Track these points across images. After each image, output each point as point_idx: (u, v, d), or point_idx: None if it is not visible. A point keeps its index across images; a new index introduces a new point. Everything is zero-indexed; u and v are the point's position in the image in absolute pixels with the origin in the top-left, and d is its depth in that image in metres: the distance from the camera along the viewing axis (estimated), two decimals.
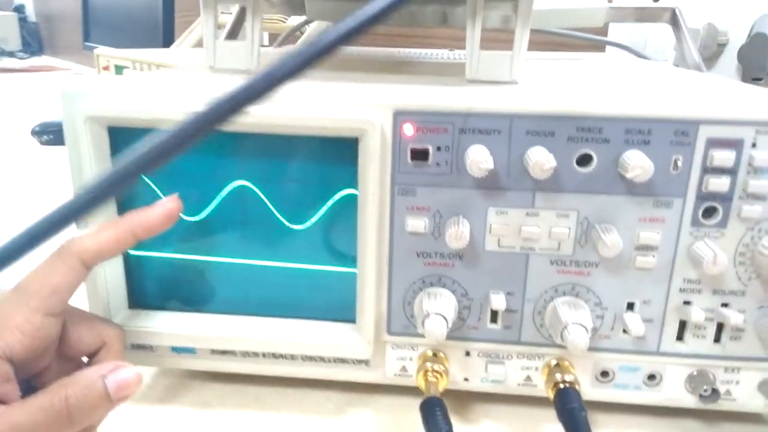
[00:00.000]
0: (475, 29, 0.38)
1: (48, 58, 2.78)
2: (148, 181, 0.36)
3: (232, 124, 0.18)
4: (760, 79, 0.68)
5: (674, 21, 0.65)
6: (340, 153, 0.34)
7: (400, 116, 0.32)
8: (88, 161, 0.34)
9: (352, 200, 0.34)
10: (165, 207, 0.33)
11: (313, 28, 0.80)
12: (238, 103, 0.17)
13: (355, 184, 0.34)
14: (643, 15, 0.67)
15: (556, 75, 0.45)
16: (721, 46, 0.73)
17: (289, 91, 0.33)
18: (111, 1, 1.58)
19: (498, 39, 0.42)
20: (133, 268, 0.38)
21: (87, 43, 1.65)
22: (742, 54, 0.69)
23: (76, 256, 0.30)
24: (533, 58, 0.63)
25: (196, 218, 0.36)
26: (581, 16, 0.66)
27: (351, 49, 0.69)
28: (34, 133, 1.10)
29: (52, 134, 1.09)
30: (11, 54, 2.75)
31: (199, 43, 1.14)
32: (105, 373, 0.28)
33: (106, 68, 0.98)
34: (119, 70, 0.94)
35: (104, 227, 0.32)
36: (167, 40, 1.21)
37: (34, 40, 2.92)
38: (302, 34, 0.83)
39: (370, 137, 0.32)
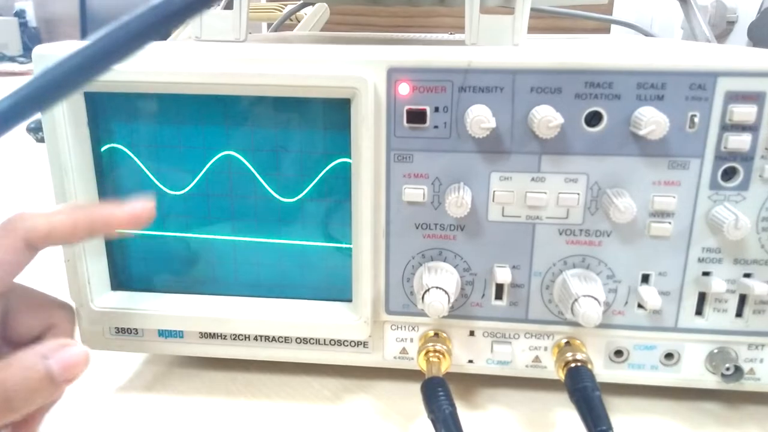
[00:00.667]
0: None
1: None
2: (132, 155, 0.34)
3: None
4: None
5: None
6: (332, 119, 0.32)
7: (394, 74, 0.30)
8: (63, 128, 0.32)
9: (346, 170, 0.32)
10: (134, 208, 0.30)
11: (312, 13, 0.78)
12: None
13: (350, 152, 0.32)
14: None
15: (570, 43, 0.43)
16: (731, 24, 0.70)
17: (277, 50, 0.31)
18: (109, 5, 1.57)
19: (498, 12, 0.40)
20: (115, 247, 0.36)
21: None
22: (752, 30, 0.67)
23: (22, 234, 0.27)
24: (537, 38, 0.61)
25: (181, 192, 0.34)
26: None
27: (349, 34, 0.67)
28: (30, 129, 1.08)
29: None
30: (12, 59, 2.75)
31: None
32: (46, 353, 0.25)
33: None
34: None
35: (61, 210, 0.28)
36: (163, 38, 1.19)
37: (34, 45, 2.92)
38: (299, 20, 0.81)
39: (362, 97, 0.30)
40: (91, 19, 1.71)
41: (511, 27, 0.37)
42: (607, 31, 0.80)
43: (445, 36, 0.61)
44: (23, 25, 2.87)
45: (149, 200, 0.30)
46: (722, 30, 0.71)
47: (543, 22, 0.81)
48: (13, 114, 0.16)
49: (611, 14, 0.79)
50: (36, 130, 1.08)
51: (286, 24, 0.83)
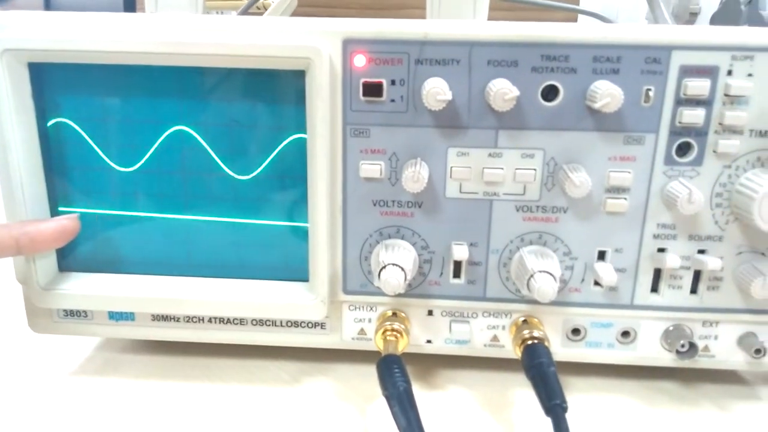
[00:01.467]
0: None
1: None
2: (80, 130, 0.33)
3: None
4: None
5: None
6: (286, 91, 0.31)
7: (350, 45, 0.29)
8: (5, 101, 0.30)
9: (302, 145, 0.32)
10: (59, 223, 0.32)
11: (277, 5, 0.77)
12: None
13: (305, 127, 0.31)
14: None
15: None
16: (694, 15, 0.71)
17: (231, 22, 0.31)
18: (73, 2, 1.53)
19: None
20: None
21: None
22: (715, 21, 0.68)
23: None
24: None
25: (131, 169, 0.33)
26: None
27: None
28: None
29: None
30: None
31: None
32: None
33: None
34: None
35: None
36: (129, 8, 1.17)
37: None
38: (266, 8, 0.80)
39: (317, 68, 0.29)
40: (54, 6, 1.67)
41: (473, 5, 0.36)
42: (575, 20, 0.80)
43: None
44: None
45: (72, 216, 0.32)
46: (685, 20, 0.72)
47: (510, 14, 0.81)
48: None
49: (578, 2, 0.80)
50: None
51: (253, 10, 0.82)
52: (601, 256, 0.32)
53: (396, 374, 0.29)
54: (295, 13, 0.84)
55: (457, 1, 0.36)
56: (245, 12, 0.74)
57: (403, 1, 0.57)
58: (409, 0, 0.55)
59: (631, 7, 0.75)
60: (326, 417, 0.32)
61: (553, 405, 0.27)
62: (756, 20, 0.65)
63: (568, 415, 0.27)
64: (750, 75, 0.29)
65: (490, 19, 0.73)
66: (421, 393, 0.33)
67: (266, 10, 0.84)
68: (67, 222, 0.32)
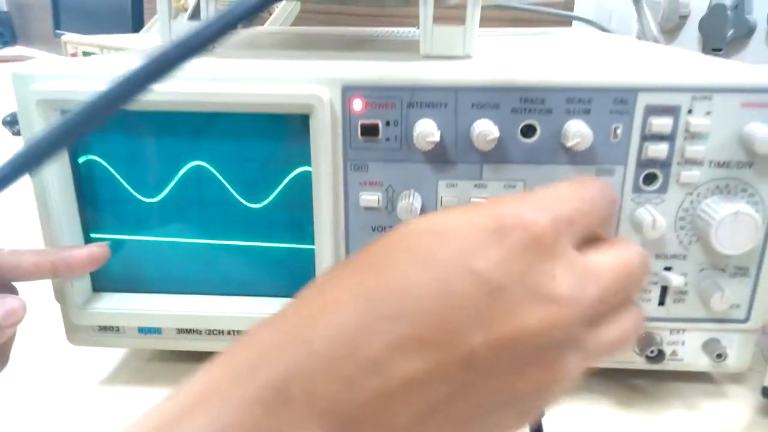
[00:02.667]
0: (427, 4, 0.39)
1: (21, 48, 2.73)
2: (108, 166, 0.36)
3: (148, 93, 0.18)
4: (719, 50, 0.69)
5: None
6: (293, 131, 0.35)
7: (348, 91, 0.33)
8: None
9: (307, 178, 0.35)
10: (91, 250, 0.36)
11: (282, 8, 0.80)
12: (154, 71, 0.17)
13: (310, 161, 0.34)
14: None
15: (512, 49, 0.46)
16: (683, 18, 0.74)
17: (240, 69, 0.34)
18: (79, 1, 1.55)
19: (455, 17, 0.42)
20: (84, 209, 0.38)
21: (57, 31, 1.63)
22: (703, 25, 0.70)
23: None
24: (498, 33, 0.64)
25: (155, 200, 0.37)
26: None
27: (317, 29, 0.69)
28: (5, 123, 1.09)
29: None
30: None
31: None
32: None
33: (74, 55, 0.97)
34: (87, 56, 0.93)
35: (29, 251, 0.34)
36: (137, 27, 1.19)
37: (6, 30, 2.87)
38: (270, 14, 0.83)
39: (319, 113, 0.33)
40: (62, 5, 1.69)
41: (463, 38, 0.40)
42: (569, 24, 0.82)
43: (411, 32, 0.64)
44: None
45: (103, 244, 0.36)
46: (675, 24, 0.74)
47: (507, 13, 0.83)
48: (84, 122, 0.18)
49: (573, 9, 0.82)
50: (12, 123, 1.09)
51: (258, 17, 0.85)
52: None
53: None
54: (297, 21, 0.87)
55: (447, 39, 0.39)
56: (248, 24, 0.77)
57: (401, 10, 0.59)
58: (407, 10, 0.58)
59: (623, 11, 0.77)
60: None
61: None
62: (741, 24, 0.68)
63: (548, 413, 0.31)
64: (708, 113, 0.32)
65: (489, 24, 0.76)
66: None
67: (270, 15, 0.87)
68: (98, 249, 0.36)
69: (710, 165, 0.33)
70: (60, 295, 0.38)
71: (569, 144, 0.31)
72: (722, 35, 0.68)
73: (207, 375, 0.20)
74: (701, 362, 0.37)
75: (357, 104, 0.33)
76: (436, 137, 0.32)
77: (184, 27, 0.43)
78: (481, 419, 0.20)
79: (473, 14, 0.39)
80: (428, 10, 0.39)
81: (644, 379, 0.40)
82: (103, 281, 0.39)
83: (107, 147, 0.36)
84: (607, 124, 0.32)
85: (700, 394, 0.39)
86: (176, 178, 0.36)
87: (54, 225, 0.36)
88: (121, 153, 0.36)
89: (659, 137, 0.32)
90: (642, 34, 0.64)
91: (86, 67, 0.35)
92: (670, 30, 0.75)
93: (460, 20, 0.40)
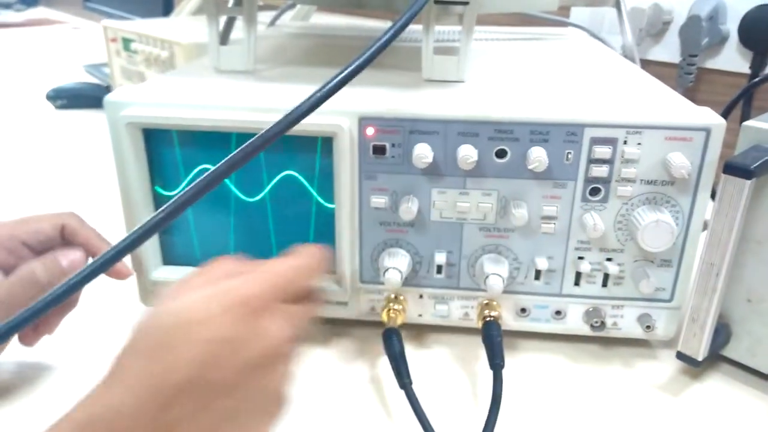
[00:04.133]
0: (428, 40, 0.48)
1: (45, 10, 2.81)
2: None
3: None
4: (695, 55, 0.77)
5: (617, 5, 0.74)
6: (319, 148, 0.45)
7: (363, 121, 0.43)
8: (128, 156, 0.44)
9: (294, 180, 0.45)
10: (119, 268, 0.45)
11: (299, 9, 0.89)
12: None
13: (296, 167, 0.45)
14: (591, 0, 0.76)
15: (500, 74, 0.55)
16: (666, 24, 0.81)
17: (281, 100, 0.44)
18: None
19: (451, 51, 0.51)
20: (163, 232, 0.49)
21: (88, 4, 1.71)
22: (681, 33, 0.78)
23: (66, 220, 0.44)
24: (497, 34, 0.73)
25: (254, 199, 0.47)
26: (538, 1, 0.75)
27: (332, 33, 0.78)
28: (49, 97, 1.19)
29: (65, 99, 1.19)
30: (8, 6, 2.78)
31: (197, 11, 1.22)
32: (60, 255, 0.42)
33: (113, 40, 1.06)
34: (126, 42, 1.03)
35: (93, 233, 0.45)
36: (167, 9, 1.28)
37: None
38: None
39: (340, 137, 0.43)
40: None
41: (456, 67, 0.49)
42: (565, 25, 0.90)
43: (417, 33, 0.72)
44: None
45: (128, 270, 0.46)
46: (659, 29, 0.82)
47: (507, 16, 0.91)
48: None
49: (569, 13, 0.90)
50: (55, 98, 1.19)
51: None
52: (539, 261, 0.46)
53: (394, 340, 0.43)
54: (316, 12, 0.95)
55: (444, 67, 0.48)
56: (273, 22, 0.86)
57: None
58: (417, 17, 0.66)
59: (613, 19, 0.84)
60: (347, 365, 0.47)
61: (495, 363, 0.42)
62: (715, 33, 0.76)
63: (516, 366, 0.42)
64: (639, 144, 0.42)
65: (491, 24, 0.84)
66: (414, 350, 0.48)
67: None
68: (123, 268, 0.45)
69: (641, 182, 0.42)
70: (137, 266, 0.49)
71: (530, 166, 0.41)
72: (698, 43, 0.76)
73: None
74: (636, 331, 0.48)
75: (370, 131, 0.43)
76: (430, 159, 0.42)
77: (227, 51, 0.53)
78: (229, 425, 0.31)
79: (466, 48, 0.49)
80: (429, 45, 0.48)
81: (594, 344, 0.50)
82: (170, 256, 0.50)
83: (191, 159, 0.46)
84: (562, 150, 0.42)
85: (637, 356, 0.49)
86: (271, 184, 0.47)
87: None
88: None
89: (601, 161, 0.42)
90: (626, 42, 0.72)
91: (162, 94, 0.45)
92: (655, 34, 0.83)
93: (455, 51, 0.49)
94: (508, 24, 0.86)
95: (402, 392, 0.41)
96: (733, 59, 0.76)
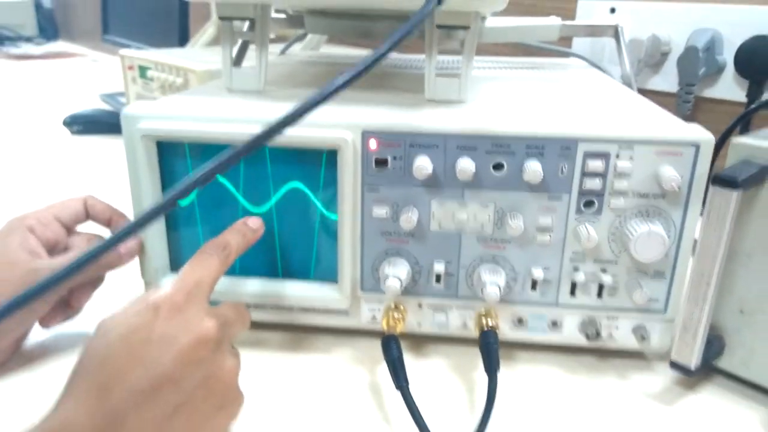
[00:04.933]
0: (431, 62, 0.51)
1: (64, 44, 2.89)
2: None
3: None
4: (693, 85, 0.80)
5: (617, 36, 0.77)
6: (322, 160, 0.47)
7: (366, 134, 0.45)
8: (142, 167, 0.47)
9: (300, 193, 0.47)
10: (128, 246, 0.49)
11: (309, 39, 0.92)
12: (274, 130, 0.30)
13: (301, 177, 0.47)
14: (592, 31, 0.79)
15: (500, 96, 0.57)
16: (665, 55, 0.84)
17: (286, 112, 0.46)
18: (128, 2, 1.68)
19: (453, 74, 0.54)
20: (171, 242, 0.51)
21: (106, 36, 1.77)
22: (679, 63, 0.81)
23: (86, 200, 0.51)
24: (500, 64, 0.75)
25: (260, 211, 0.49)
26: (539, 32, 0.78)
27: (342, 58, 0.81)
28: (66, 123, 1.23)
29: (81, 125, 1.23)
30: (28, 39, 2.87)
31: (212, 42, 1.26)
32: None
33: (130, 68, 1.11)
34: (143, 70, 1.07)
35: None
36: (182, 39, 1.32)
37: (50, 26, 3.02)
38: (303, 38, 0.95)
39: (344, 149, 0.45)
40: (111, 10, 1.82)
41: (458, 87, 0.51)
42: (567, 55, 0.93)
43: (422, 60, 0.75)
44: (38, 6, 2.98)
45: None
46: (657, 59, 0.85)
47: (510, 48, 0.94)
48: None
49: (571, 42, 0.93)
50: (71, 124, 1.23)
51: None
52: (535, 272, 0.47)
53: (392, 347, 0.45)
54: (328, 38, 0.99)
55: (446, 88, 0.51)
56: (284, 51, 0.89)
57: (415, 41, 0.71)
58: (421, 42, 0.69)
59: (613, 50, 0.87)
60: (347, 371, 0.49)
61: (491, 367, 0.43)
62: (712, 63, 0.78)
63: (513, 377, 0.42)
64: (631, 158, 0.43)
65: (498, 54, 0.88)
66: (413, 359, 0.50)
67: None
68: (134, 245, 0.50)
69: (633, 195, 0.44)
70: (146, 273, 0.51)
71: (525, 178, 0.43)
72: (695, 73, 0.79)
73: None
74: (631, 342, 0.49)
75: (372, 144, 0.45)
76: (429, 170, 0.44)
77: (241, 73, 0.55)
78: (182, 417, 0.35)
79: (467, 69, 0.51)
80: (432, 67, 0.51)
81: (590, 356, 0.51)
82: (178, 264, 0.51)
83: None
84: (556, 163, 0.44)
85: (632, 368, 0.50)
86: (277, 196, 0.49)
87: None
88: None
89: (594, 174, 0.44)
90: (624, 72, 0.75)
91: (176, 109, 0.48)
92: (654, 64, 0.85)
93: (456, 74, 0.52)
94: (511, 54, 0.89)
95: (399, 396, 0.42)
96: (730, 88, 0.79)
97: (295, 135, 0.45)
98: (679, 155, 0.43)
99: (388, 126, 0.45)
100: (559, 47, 0.88)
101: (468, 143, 0.44)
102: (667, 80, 0.84)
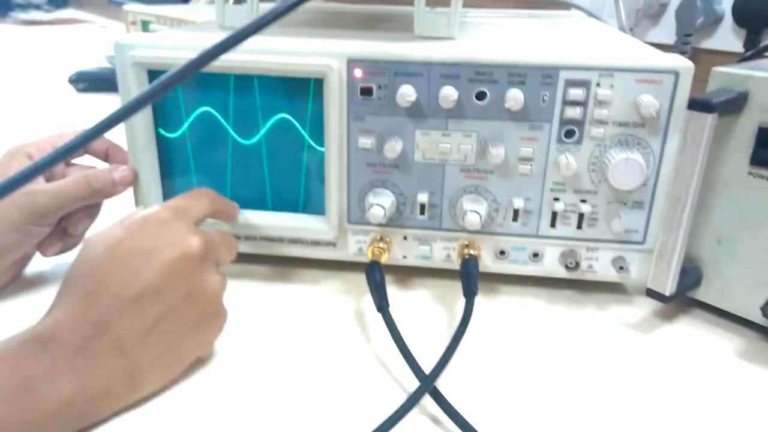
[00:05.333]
0: None
1: (73, 11, 2.90)
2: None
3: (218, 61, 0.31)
4: (690, 35, 0.79)
5: None
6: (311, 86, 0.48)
7: (352, 63, 0.46)
8: (133, 95, 0.48)
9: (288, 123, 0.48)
10: (122, 174, 0.50)
11: None
12: (223, 48, 0.31)
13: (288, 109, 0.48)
14: None
15: (490, 33, 0.57)
16: (663, 6, 0.84)
17: (278, 43, 0.47)
18: None
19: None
20: (165, 178, 0.52)
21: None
22: (677, 13, 0.80)
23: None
24: (495, 15, 0.75)
25: (250, 142, 0.51)
26: None
27: (345, 6, 0.81)
28: (71, 81, 1.24)
29: (87, 82, 1.24)
30: (38, 7, 2.87)
31: (212, 1, 1.26)
32: (112, 169, 0.50)
33: (133, 23, 1.11)
34: (145, 24, 1.07)
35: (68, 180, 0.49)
36: None
37: None
38: None
39: (330, 77, 0.45)
40: None
41: (447, 22, 0.52)
42: (568, 7, 0.92)
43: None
44: None
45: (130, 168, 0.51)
46: (656, 10, 0.84)
47: (509, 2, 0.94)
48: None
49: None
50: (77, 81, 1.24)
51: None
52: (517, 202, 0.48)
53: (376, 272, 0.46)
54: None
55: (435, 23, 0.51)
56: None
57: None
58: None
59: (612, 2, 0.87)
60: (335, 302, 0.50)
61: (469, 290, 0.44)
62: (710, 13, 0.78)
63: (494, 308, 0.44)
64: (611, 86, 0.44)
65: (493, 6, 0.87)
66: (397, 291, 0.51)
67: None
68: (129, 173, 0.51)
69: (613, 124, 0.45)
70: (139, 203, 0.52)
71: (507, 105, 0.44)
72: (692, 23, 0.78)
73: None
74: (611, 274, 0.50)
75: (358, 72, 0.46)
76: (413, 98, 0.45)
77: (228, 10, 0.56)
78: (165, 327, 0.37)
79: (456, 4, 0.51)
80: (422, 2, 0.51)
81: (572, 289, 0.52)
82: (171, 195, 0.52)
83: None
84: (538, 92, 0.45)
85: (612, 301, 0.51)
86: (265, 130, 0.50)
87: (143, 176, 0.50)
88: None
89: (575, 103, 0.44)
90: (618, 18, 0.75)
91: (165, 41, 0.49)
92: (653, 15, 0.85)
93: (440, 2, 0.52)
94: (513, 8, 0.89)
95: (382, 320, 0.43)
96: (728, 39, 0.78)
97: (281, 62, 0.46)
98: (658, 83, 0.43)
99: (373, 54, 0.45)
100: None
101: (451, 71, 0.45)
102: (666, 32, 0.84)
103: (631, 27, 0.79)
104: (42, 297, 0.49)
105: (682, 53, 0.81)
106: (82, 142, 0.30)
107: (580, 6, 0.86)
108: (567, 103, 0.45)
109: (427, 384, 0.37)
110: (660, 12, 0.84)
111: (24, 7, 2.76)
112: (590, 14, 0.83)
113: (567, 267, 0.49)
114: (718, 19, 0.78)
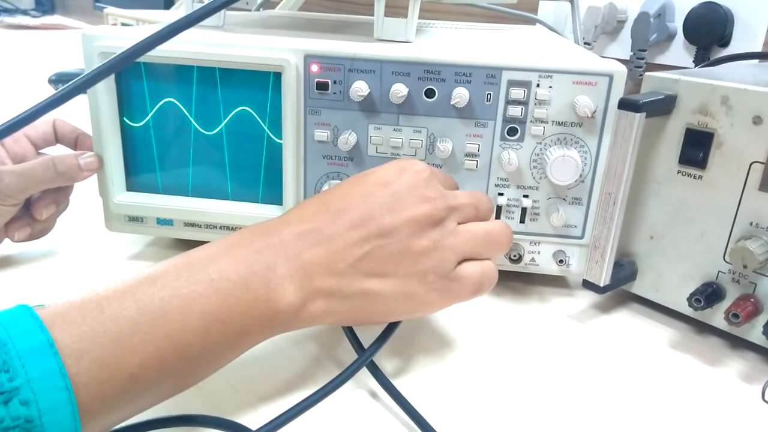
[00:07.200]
0: (380, 3, 0.54)
1: (59, 17, 2.91)
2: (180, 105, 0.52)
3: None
4: (644, 50, 0.83)
5: (572, 1, 0.80)
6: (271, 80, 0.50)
7: (309, 58, 0.48)
8: (99, 86, 0.50)
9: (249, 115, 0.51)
10: (86, 161, 0.52)
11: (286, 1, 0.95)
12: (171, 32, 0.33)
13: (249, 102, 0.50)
14: None
15: (447, 38, 0.60)
16: (621, 23, 0.88)
17: (238, 38, 0.49)
18: None
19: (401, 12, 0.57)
20: (128, 162, 0.54)
21: (98, 4, 1.80)
22: (632, 30, 0.84)
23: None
24: (462, 26, 0.79)
25: (211, 133, 0.53)
26: None
27: (313, 15, 0.84)
28: (51, 81, 1.25)
29: (65, 83, 1.25)
30: (25, 12, 2.88)
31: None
32: (78, 155, 0.52)
33: (114, 25, 1.13)
34: (125, 26, 1.10)
35: (33, 164, 0.51)
36: (168, 4, 1.35)
37: (46, 0, 3.04)
38: (279, 1, 0.98)
39: (287, 72, 0.48)
40: None
41: (404, 28, 0.55)
42: (533, 23, 0.96)
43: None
44: None
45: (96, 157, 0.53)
46: (614, 27, 0.88)
47: (479, 10, 0.97)
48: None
49: (537, 10, 0.96)
50: (56, 81, 1.25)
51: (272, 2, 1.00)
52: None
53: None
54: (304, 6, 1.02)
55: (393, 28, 0.54)
56: (259, 8, 0.92)
57: (396, 1, 0.74)
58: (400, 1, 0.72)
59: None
60: None
61: None
62: (663, 30, 0.82)
63: None
64: (550, 87, 0.47)
65: (461, 20, 0.90)
66: None
67: (279, 3, 1.02)
68: (93, 160, 0.52)
69: (553, 123, 0.48)
70: (103, 191, 0.54)
71: (453, 102, 0.47)
72: (646, 39, 0.82)
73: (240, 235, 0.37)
74: (552, 267, 0.52)
75: (314, 67, 0.48)
76: (365, 92, 0.47)
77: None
78: (393, 267, 0.37)
79: (414, 10, 0.54)
80: (380, 6, 0.54)
81: (516, 281, 0.55)
82: (132, 183, 0.55)
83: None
84: (483, 91, 0.47)
85: (555, 294, 0.54)
86: (225, 120, 0.52)
87: (108, 161, 0.52)
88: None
89: (517, 102, 0.47)
90: (575, 31, 0.78)
91: (130, 33, 0.51)
92: (611, 32, 0.89)
93: (404, 14, 0.55)
94: (484, 20, 0.93)
95: None
96: (680, 54, 0.82)
97: (242, 55, 0.48)
98: (593, 85, 0.46)
99: (329, 51, 0.48)
100: (526, 13, 0.91)
101: (402, 69, 0.48)
102: (622, 47, 0.88)
103: (588, 41, 0.82)
104: (8, 277, 0.51)
105: (637, 67, 0.84)
106: (34, 115, 0.32)
107: (543, 21, 0.90)
108: (509, 102, 0.47)
109: (366, 357, 0.39)
110: (618, 29, 0.88)
111: (11, 12, 2.77)
112: (551, 29, 0.86)
113: (511, 259, 0.52)
114: (670, 36, 0.82)
